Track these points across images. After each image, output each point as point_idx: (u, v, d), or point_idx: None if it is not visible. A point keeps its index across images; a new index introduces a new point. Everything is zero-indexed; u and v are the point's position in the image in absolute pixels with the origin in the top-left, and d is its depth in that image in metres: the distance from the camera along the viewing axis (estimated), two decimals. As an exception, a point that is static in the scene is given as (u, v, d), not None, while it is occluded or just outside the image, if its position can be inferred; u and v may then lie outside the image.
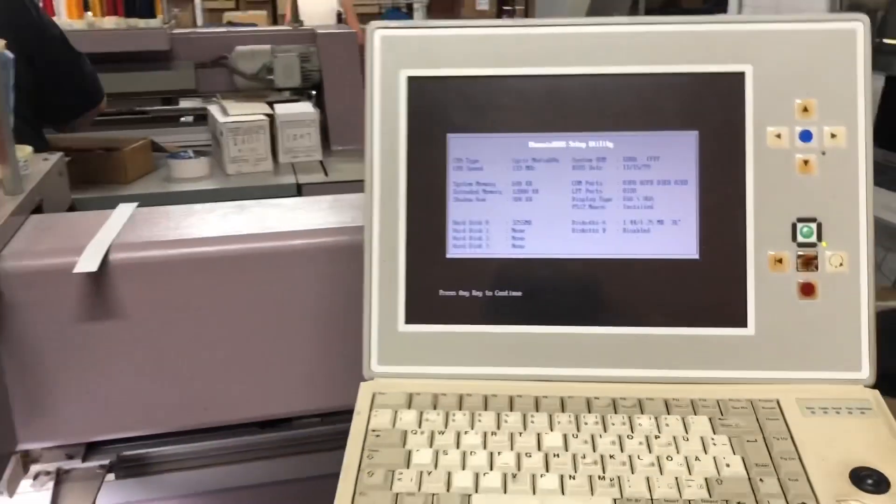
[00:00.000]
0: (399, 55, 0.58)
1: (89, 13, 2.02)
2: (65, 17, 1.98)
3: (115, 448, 0.80)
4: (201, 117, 2.25)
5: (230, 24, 4.15)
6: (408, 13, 5.76)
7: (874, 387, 0.55)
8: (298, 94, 2.27)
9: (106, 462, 0.80)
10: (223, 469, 0.84)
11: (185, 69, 2.14)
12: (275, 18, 4.95)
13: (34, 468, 0.77)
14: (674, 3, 4.99)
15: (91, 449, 0.79)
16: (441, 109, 0.58)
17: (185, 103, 2.44)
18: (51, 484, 0.77)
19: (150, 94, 2.14)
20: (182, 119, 2.39)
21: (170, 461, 0.83)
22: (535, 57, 0.57)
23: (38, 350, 0.66)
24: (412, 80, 0.58)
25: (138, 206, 0.78)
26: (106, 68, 1.82)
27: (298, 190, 1.85)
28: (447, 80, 0.58)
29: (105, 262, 0.66)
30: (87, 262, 0.65)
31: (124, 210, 0.77)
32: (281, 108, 1.96)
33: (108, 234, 0.70)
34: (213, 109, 1.96)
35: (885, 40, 3.12)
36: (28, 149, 0.83)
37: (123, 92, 2.09)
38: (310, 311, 0.70)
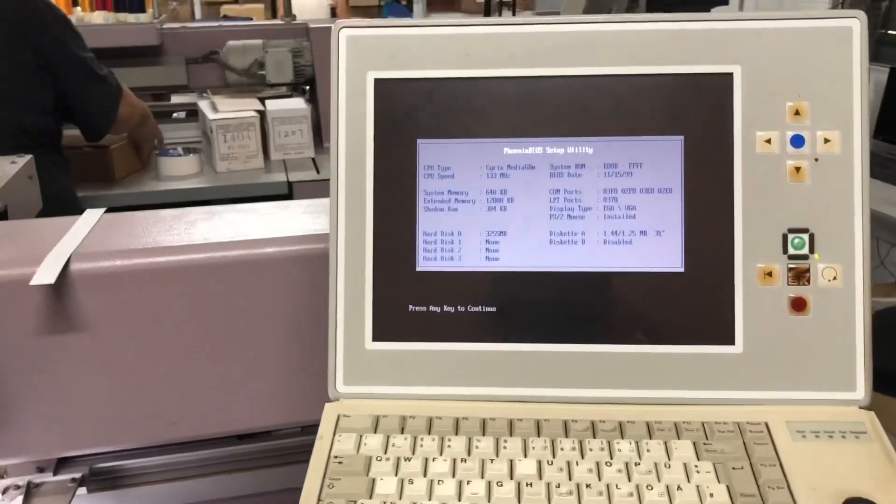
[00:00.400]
0: (366, 56, 0.55)
1: (78, 8, 2.00)
2: (53, 12, 1.95)
3: (88, 461, 0.78)
4: (193, 113, 2.22)
5: (225, 17, 4.11)
6: (408, 6, 5.71)
7: (868, 408, 0.52)
8: (292, 89, 2.24)
9: (78, 475, 0.77)
10: (199, 481, 0.82)
11: (176, 64, 2.11)
12: (274, 11, 4.91)
13: (3, 482, 0.75)
14: (676, -4, 4.93)
15: (63, 462, 0.77)
16: (410, 113, 0.55)
17: (176, 98, 2.41)
18: (20, 498, 0.75)
19: (140, 89, 2.11)
20: (174, 115, 2.36)
21: (144, 474, 0.80)
22: (510, 58, 0.54)
23: (-2, 364, 0.63)
24: (380, 83, 0.55)
25: (106, 211, 0.76)
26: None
27: (289, 188, 1.82)
28: (417, 83, 0.54)
29: (66, 273, 0.63)
30: (45, 275, 0.62)
31: (90, 217, 0.74)
32: (272, 105, 1.93)
33: (69, 243, 0.67)
34: (203, 106, 1.93)
35: (891, 31, 3.08)
36: (-9, 152, 0.80)
37: (113, 88, 2.06)
38: (282, 322, 0.67)
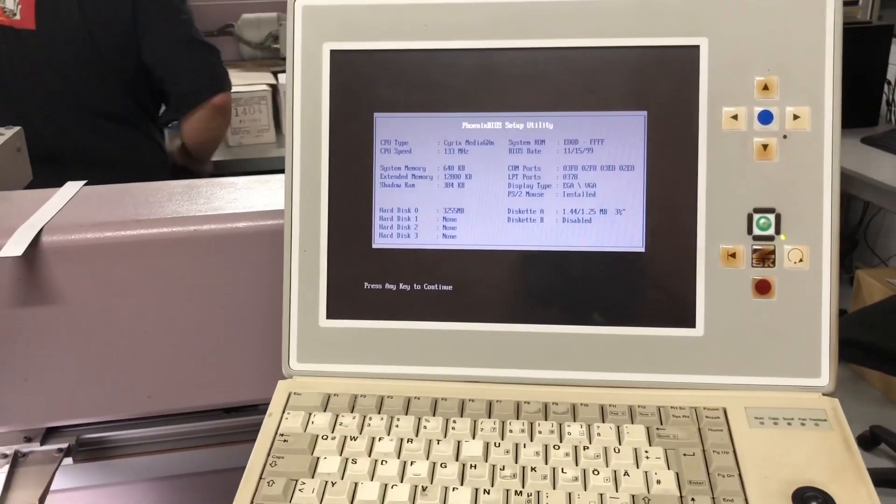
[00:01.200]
0: (322, 27, 0.53)
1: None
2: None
3: (75, 431, 0.78)
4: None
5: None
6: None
7: (832, 395, 0.50)
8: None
9: (64, 445, 0.78)
10: (185, 454, 0.82)
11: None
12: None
13: (-10, 451, 0.76)
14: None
15: (50, 432, 0.78)
16: (367, 86, 0.53)
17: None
18: (6, 467, 0.76)
19: (157, 63, 2.11)
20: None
21: (131, 445, 0.81)
22: (470, 29, 0.52)
23: (-28, 335, 0.64)
24: (336, 54, 0.53)
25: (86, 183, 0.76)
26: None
27: (300, 162, 1.81)
28: (374, 55, 0.53)
29: (37, 245, 0.63)
30: (13, 247, 0.62)
31: (68, 189, 0.74)
32: (284, 78, 1.92)
33: (43, 215, 0.67)
34: (216, 79, 1.93)
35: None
36: (-23, 124, 0.80)
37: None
38: (255, 296, 0.67)
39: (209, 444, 0.82)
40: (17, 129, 0.88)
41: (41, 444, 0.77)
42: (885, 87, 2.65)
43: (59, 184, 0.76)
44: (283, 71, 2.04)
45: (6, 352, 0.66)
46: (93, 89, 1.48)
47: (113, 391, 0.69)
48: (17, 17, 1.40)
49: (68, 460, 0.78)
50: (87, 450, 0.79)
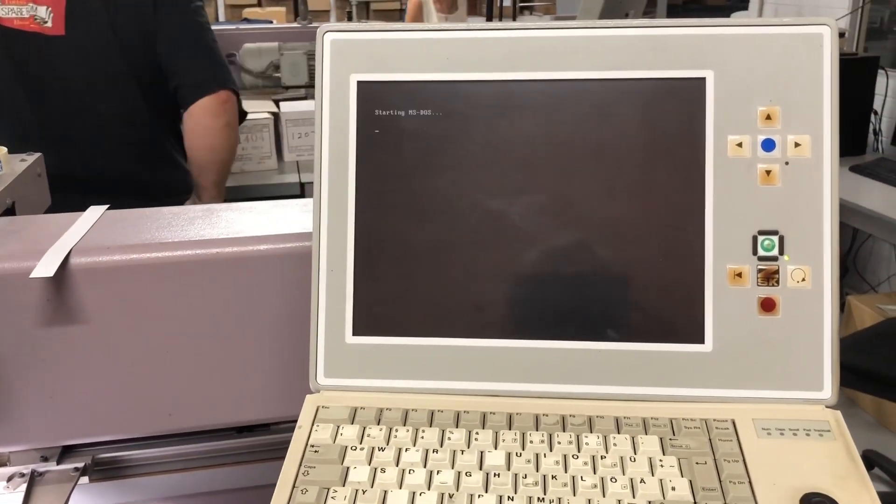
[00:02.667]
0: (349, 59, 0.56)
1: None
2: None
3: (91, 451, 0.80)
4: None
5: (246, 19, 4.16)
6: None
7: (834, 407, 0.53)
8: (308, 91, 2.26)
9: (80, 465, 0.79)
10: (198, 473, 0.83)
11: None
12: (296, 13, 4.95)
13: (7, 470, 0.77)
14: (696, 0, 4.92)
15: (66, 451, 0.79)
16: (392, 115, 0.56)
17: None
18: (24, 486, 0.77)
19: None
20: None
21: (145, 464, 0.82)
22: (488, 62, 0.56)
23: (1, 354, 0.66)
24: (362, 85, 0.56)
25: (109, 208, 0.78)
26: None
27: (301, 188, 1.84)
28: (398, 85, 0.56)
29: (66, 266, 0.65)
30: (44, 268, 0.64)
31: (93, 213, 0.77)
32: (286, 106, 1.96)
33: (70, 238, 0.70)
34: (219, 107, 1.96)
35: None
36: (2, 149, 0.83)
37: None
38: (276, 317, 0.69)
39: (222, 463, 0.83)
40: (37, 155, 0.91)
41: (58, 464, 0.78)
42: (872, 116, 2.71)
43: (76, 201, 0.78)
44: (285, 99, 2.08)
45: (32, 370, 0.67)
46: (117, 99, 1.50)
47: (135, 408, 0.71)
48: (49, 24, 1.43)
49: (84, 479, 0.79)
50: (103, 469, 0.80)
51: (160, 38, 1.49)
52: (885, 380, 1.73)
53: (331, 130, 0.57)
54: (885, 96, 2.73)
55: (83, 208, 0.77)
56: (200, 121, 1.53)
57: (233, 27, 2.35)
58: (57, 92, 1.47)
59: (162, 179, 1.56)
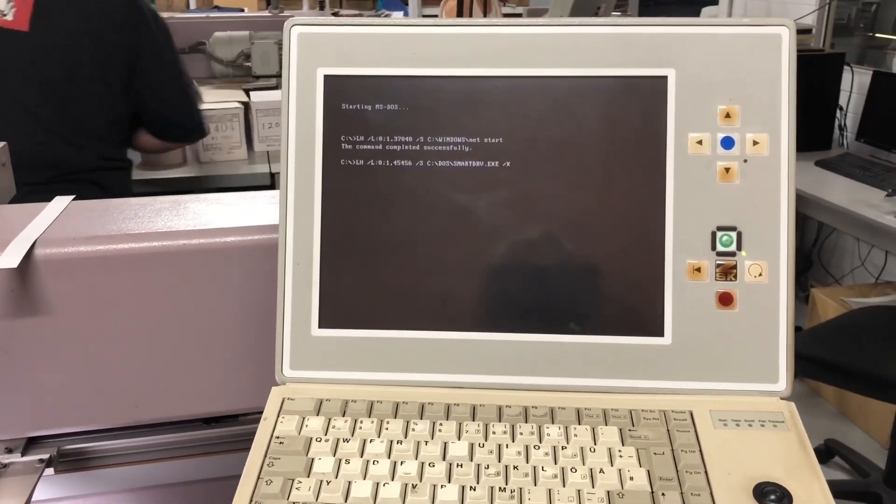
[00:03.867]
0: (316, 53, 0.57)
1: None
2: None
3: (56, 442, 0.79)
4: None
5: (217, 7, 4.13)
6: (403, 1, 5.70)
7: (788, 399, 0.54)
8: (279, 81, 2.25)
9: (46, 456, 0.79)
10: (166, 464, 0.83)
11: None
12: (268, 1, 4.91)
13: (-31, 461, 0.76)
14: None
15: (31, 442, 0.78)
16: (358, 109, 0.57)
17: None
18: (-13, 478, 0.76)
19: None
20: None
21: (112, 455, 0.82)
22: (455, 58, 0.56)
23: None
24: (329, 79, 0.57)
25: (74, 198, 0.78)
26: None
27: (272, 179, 1.84)
28: (365, 80, 0.57)
29: (30, 257, 0.65)
30: (8, 259, 0.64)
31: (59, 203, 0.76)
32: (256, 96, 1.95)
33: (35, 228, 0.69)
34: (188, 96, 1.95)
35: (877, 34, 3.10)
36: (-35, 139, 0.82)
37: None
38: (243, 309, 0.69)
39: (189, 454, 0.83)
40: (2, 144, 0.89)
41: (22, 455, 0.78)
42: (838, 112, 2.75)
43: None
44: (255, 89, 2.07)
45: (-3, 361, 0.67)
46: (75, 101, 1.50)
47: (101, 400, 0.71)
48: (9, 17, 1.41)
49: (49, 471, 0.79)
50: (69, 460, 0.80)
51: (144, 74, 1.54)
52: (847, 371, 1.77)
53: (297, 124, 0.57)
54: (851, 92, 2.77)
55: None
56: (161, 148, 1.72)
57: (203, 15, 2.33)
58: (14, 91, 1.46)
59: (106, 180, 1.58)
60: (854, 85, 2.77)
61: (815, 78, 2.62)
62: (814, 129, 2.67)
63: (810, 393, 2.61)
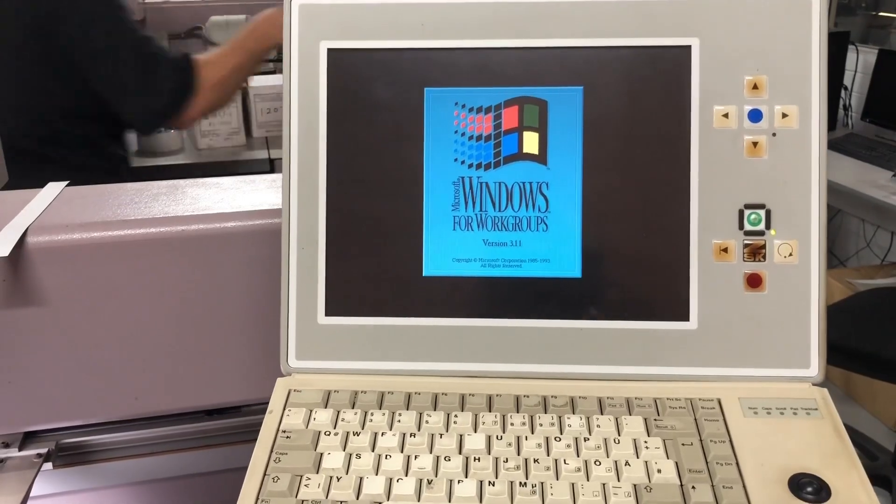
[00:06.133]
0: (319, 26, 0.54)
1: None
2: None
3: (54, 436, 0.77)
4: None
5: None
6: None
7: (821, 385, 0.52)
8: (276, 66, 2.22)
9: (44, 450, 0.77)
10: (166, 457, 0.81)
11: (159, 39, 2.07)
12: (264, -13, 4.86)
13: (-34, 457, 0.74)
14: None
15: (29, 437, 0.76)
16: (364, 85, 0.54)
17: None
18: (-15, 473, 0.74)
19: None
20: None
21: (111, 449, 0.80)
22: (466, 29, 0.53)
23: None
24: (333, 53, 0.54)
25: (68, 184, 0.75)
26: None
27: (271, 165, 1.81)
28: (371, 53, 0.54)
29: (22, 245, 0.62)
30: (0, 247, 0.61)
31: (51, 190, 0.73)
32: (255, 81, 1.91)
33: (27, 216, 0.66)
34: (185, 82, 1.91)
35: (882, 13, 3.07)
36: (-47, 124, 0.79)
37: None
38: (243, 297, 0.66)
39: (191, 447, 0.81)
40: (-10, 130, 0.87)
41: (20, 450, 0.76)
42: (843, 92, 2.72)
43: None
44: (255, 73, 2.02)
45: (-10, 353, 0.65)
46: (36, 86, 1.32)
47: (100, 393, 0.68)
48: None
49: (48, 465, 0.76)
50: (67, 454, 0.78)
51: (90, 58, 1.31)
52: (855, 354, 1.74)
53: (300, 101, 0.54)
54: (855, 72, 2.74)
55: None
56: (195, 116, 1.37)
57: (199, -1, 2.29)
58: None
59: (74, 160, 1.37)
60: (859, 64, 2.73)
61: (820, 57, 2.58)
62: (818, 110, 2.63)
63: (816, 376, 2.59)
